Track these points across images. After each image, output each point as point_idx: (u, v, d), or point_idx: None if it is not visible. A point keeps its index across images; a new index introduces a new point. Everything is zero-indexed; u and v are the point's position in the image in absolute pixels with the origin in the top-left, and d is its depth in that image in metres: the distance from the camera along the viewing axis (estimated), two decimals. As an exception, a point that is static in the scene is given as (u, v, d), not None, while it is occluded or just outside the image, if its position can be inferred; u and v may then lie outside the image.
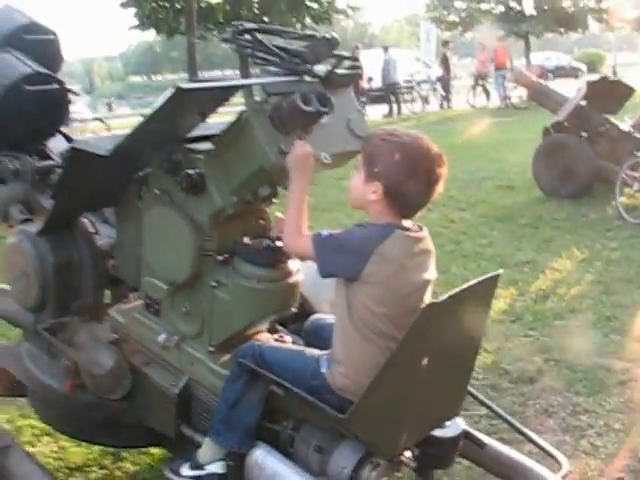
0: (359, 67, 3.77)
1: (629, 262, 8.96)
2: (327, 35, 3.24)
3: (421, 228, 3.15)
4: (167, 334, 3.63)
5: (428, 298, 3.10)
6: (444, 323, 2.92)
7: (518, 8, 40.24)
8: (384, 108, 30.37)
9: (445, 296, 2.81)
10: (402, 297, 2.98)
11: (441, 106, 33.38)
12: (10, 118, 4.44)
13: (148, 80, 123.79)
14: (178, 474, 3.41)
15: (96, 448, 5.06)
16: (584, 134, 12.61)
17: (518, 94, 28.94)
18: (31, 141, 4.68)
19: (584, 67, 56.46)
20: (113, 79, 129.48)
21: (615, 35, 55.58)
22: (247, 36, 3.30)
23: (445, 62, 33.40)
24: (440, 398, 3.20)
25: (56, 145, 4.82)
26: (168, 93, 2.97)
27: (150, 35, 34.38)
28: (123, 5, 30.10)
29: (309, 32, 3.39)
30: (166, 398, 3.60)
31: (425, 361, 2.88)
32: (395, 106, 30.32)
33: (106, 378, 3.75)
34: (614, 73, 45.89)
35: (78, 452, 5.03)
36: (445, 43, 35.38)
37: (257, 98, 3.20)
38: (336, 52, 3.36)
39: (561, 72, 51.36)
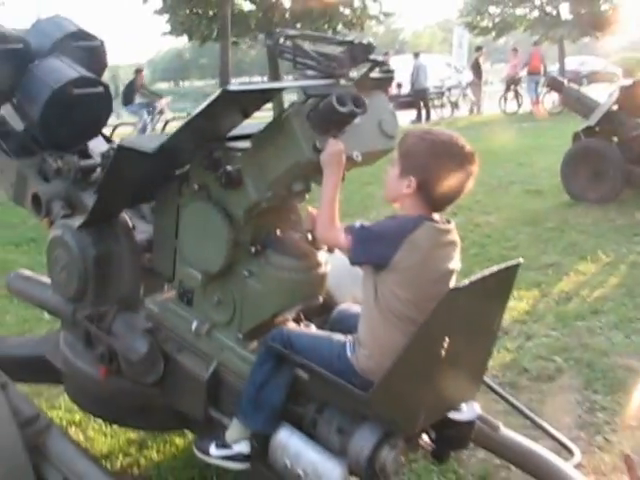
0: (392, 72, 3.92)
1: (654, 266, 9.08)
2: (364, 41, 3.46)
3: (449, 221, 3.33)
4: (199, 322, 3.81)
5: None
6: (464, 308, 3.07)
7: (554, 13, 40.00)
8: (413, 114, 30.40)
9: (466, 282, 2.97)
10: (428, 284, 3.14)
11: (471, 111, 33.37)
12: (57, 119, 4.67)
13: (175, 86, 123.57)
14: (207, 453, 3.60)
15: (122, 437, 5.30)
16: (615, 139, 12.69)
17: (551, 99, 28.92)
18: (75, 141, 4.91)
19: (620, 72, 56.10)
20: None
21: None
22: (288, 42, 3.55)
23: (477, 67, 33.36)
24: (457, 381, 3.35)
25: (97, 145, 5.06)
26: (215, 94, 3.19)
27: (180, 42, 34.44)
28: (157, 12, 30.30)
29: (347, 38, 3.56)
30: (196, 383, 3.78)
31: (444, 344, 3.04)
32: (424, 112, 30.33)
33: (140, 364, 3.95)
34: (653, 78, 45.70)
35: (104, 441, 5.26)
36: (478, 48, 35.36)
37: (297, 99, 3.40)
38: (371, 57, 3.55)
39: (596, 77, 50.98)
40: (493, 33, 42.33)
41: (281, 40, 3.54)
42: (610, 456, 4.91)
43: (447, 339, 3.05)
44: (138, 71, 25.56)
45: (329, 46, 3.59)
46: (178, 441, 5.21)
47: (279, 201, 3.60)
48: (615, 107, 12.63)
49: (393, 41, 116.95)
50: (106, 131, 5.31)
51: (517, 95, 32.20)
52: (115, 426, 5.32)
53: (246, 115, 3.64)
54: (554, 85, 15.38)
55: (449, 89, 33.94)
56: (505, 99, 32.28)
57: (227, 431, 3.58)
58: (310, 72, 3.50)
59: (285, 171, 3.37)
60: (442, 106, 32.12)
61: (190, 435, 5.08)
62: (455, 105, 32.79)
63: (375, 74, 3.71)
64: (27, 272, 5.09)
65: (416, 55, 31.91)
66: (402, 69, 32.16)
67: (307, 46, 3.53)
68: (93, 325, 4.17)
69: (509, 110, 31.63)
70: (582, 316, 7.44)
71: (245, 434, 3.52)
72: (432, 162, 3.18)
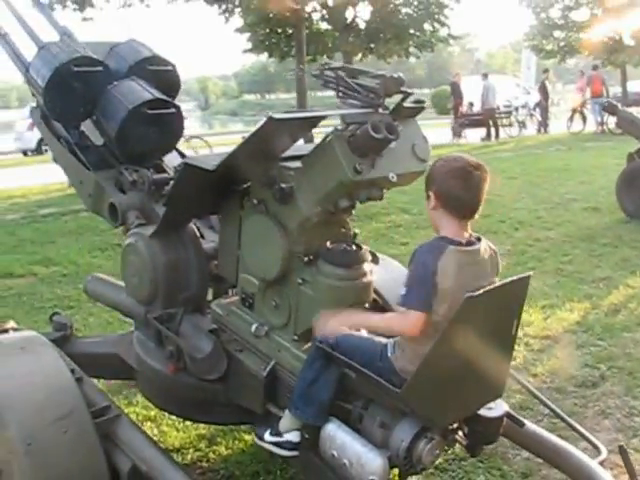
0: (422, 102, 4.08)
1: (702, 281, 9.06)
2: (395, 75, 3.62)
3: (479, 239, 3.45)
4: (258, 325, 3.99)
5: None
6: (481, 315, 3.20)
7: (617, 38, 39.62)
8: (483, 132, 30.38)
9: (481, 291, 3.10)
10: (458, 300, 3.19)
11: (538, 131, 33.15)
12: (132, 136, 4.90)
13: (261, 98, 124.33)
14: (262, 439, 3.79)
15: (193, 432, 5.48)
16: (667, 160, 12.60)
17: (614, 120, 28.62)
18: (149, 156, 5.13)
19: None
20: (228, 97, 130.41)
21: None
22: (331, 73, 3.73)
23: (543, 89, 33.23)
24: (482, 381, 3.44)
25: (171, 159, 5.27)
26: (262, 121, 3.39)
27: (264, 56, 34.59)
28: (238, 30, 30.54)
29: (381, 72, 3.70)
30: (255, 380, 3.95)
31: (465, 347, 3.17)
32: (493, 130, 30.26)
33: (205, 362, 4.13)
34: None
35: (176, 436, 5.45)
36: (545, 71, 35.15)
37: (339, 126, 3.58)
38: (403, 89, 3.72)
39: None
40: (558, 56, 41.98)
41: (326, 72, 3.74)
42: (645, 458, 4.97)
43: (467, 343, 3.18)
44: None
45: (367, 78, 3.72)
46: (247, 437, 5.36)
47: (328, 215, 3.74)
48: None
49: (468, 61, 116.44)
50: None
51: (583, 116, 31.96)
52: (187, 422, 5.51)
53: (294, 139, 3.83)
54: (609, 109, 15.36)
55: (517, 109, 33.75)
56: (572, 120, 32.04)
57: (280, 421, 3.74)
58: (351, 101, 3.68)
59: (330, 189, 3.54)
60: (510, 125, 31.97)
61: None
62: (523, 124, 32.61)
63: (408, 103, 3.86)
64: (103, 276, 5.29)
65: (485, 76, 31.77)
66: (473, 89, 32.19)
67: (348, 77, 3.71)
68: (163, 326, 4.35)
69: (575, 130, 31.38)
70: (628, 328, 7.48)
71: (296, 425, 3.67)
72: (440, 173, 3.38)
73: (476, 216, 3.44)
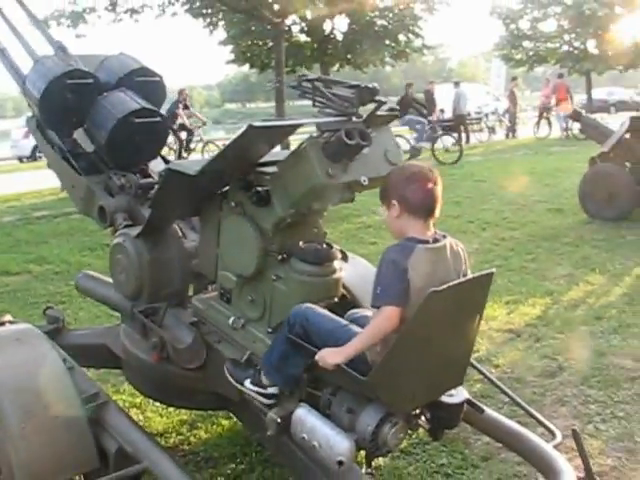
0: (396, 110, 4.21)
1: (655, 278, 9.23)
2: (369, 85, 3.71)
3: (444, 236, 3.50)
4: (235, 318, 4.08)
5: None
6: (445, 307, 3.27)
7: (582, 47, 39.84)
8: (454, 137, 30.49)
9: (445, 286, 3.18)
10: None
11: (507, 136, 33.22)
12: (121, 143, 5.02)
13: (242, 107, 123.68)
14: (241, 383, 3.87)
15: (175, 418, 5.61)
16: (627, 164, 12.84)
17: (578, 126, 28.76)
18: (136, 162, 5.25)
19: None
20: (211, 106, 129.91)
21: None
22: (308, 84, 3.84)
23: (512, 96, 33.39)
24: (444, 369, 3.55)
25: (156, 165, 5.38)
26: (242, 129, 3.47)
27: (245, 67, 34.57)
28: (222, 43, 30.57)
29: (356, 82, 3.78)
30: None
31: (429, 338, 3.27)
32: (464, 135, 30.35)
33: (186, 352, 4.25)
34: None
35: (160, 421, 5.59)
36: (513, 79, 35.30)
37: (315, 134, 3.67)
38: (377, 98, 3.78)
39: (623, 106, 50.70)
40: (527, 65, 42.14)
41: (303, 83, 3.85)
42: (597, 442, 5.11)
43: (431, 335, 3.27)
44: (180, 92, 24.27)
45: (342, 88, 3.80)
46: (224, 422, 5.51)
47: (301, 217, 3.84)
48: (627, 135, 12.79)
49: (441, 70, 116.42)
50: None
51: (549, 122, 32.11)
52: (169, 408, 5.64)
53: (272, 145, 3.94)
54: (574, 115, 15.59)
55: (487, 115, 33.91)
56: (538, 126, 32.17)
57: (263, 376, 3.78)
58: (326, 110, 3.78)
59: (304, 193, 3.63)
60: (480, 130, 32.08)
61: (234, 418, 5.34)
62: (492, 130, 32.74)
63: (381, 112, 3.94)
64: (93, 273, 5.40)
65: (456, 84, 31.79)
66: (445, 96, 32.28)
67: (324, 88, 3.81)
68: (148, 319, 4.47)
69: (541, 135, 31.51)
70: (587, 322, 7.62)
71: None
72: (397, 182, 3.45)
73: (437, 213, 3.49)
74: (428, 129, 25.99)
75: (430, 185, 3.42)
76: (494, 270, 3.51)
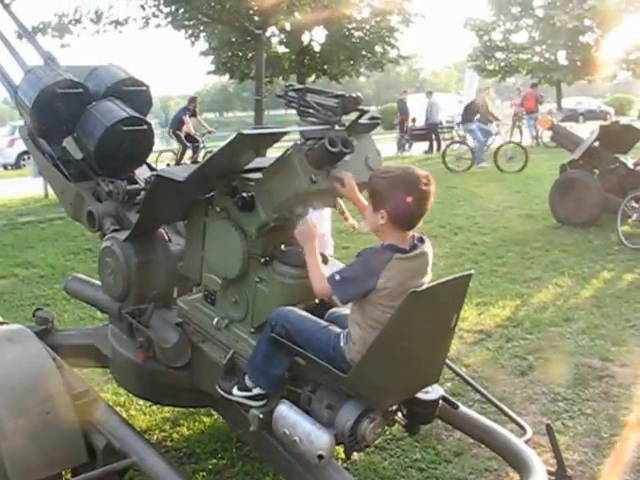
0: (377, 118, 4.24)
1: (621, 281, 9.40)
2: (353, 95, 3.78)
3: (422, 241, 3.53)
4: (219, 318, 4.13)
5: None
6: (423, 308, 3.31)
7: (552, 58, 40.15)
8: (426, 145, 30.59)
9: (424, 287, 3.27)
10: (400, 295, 3.29)
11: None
12: (109, 151, 5.09)
13: (220, 116, 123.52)
14: (229, 393, 3.88)
15: (158, 416, 5.66)
16: (596, 171, 12.97)
17: (548, 134, 28.87)
18: (123, 169, 5.30)
19: (612, 111, 56.16)
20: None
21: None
22: (294, 94, 3.91)
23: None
24: (421, 367, 3.61)
25: (142, 172, 5.44)
26: (231, 136, 3.53)
27: (225, 77, 34.61)
28: (203, 53, 30.64)
29: (340, 92, 3.84)
30: (216, 367, 4.08)
31: (407, 337, 3.31)
32: (435, 143, 30.50)
33: (172, 351, 4.29)
34: (640, 117, 45.88)
35: (143, 419, 5.63)
36: (485, 89, 35.41)
37: (299, 141, 3.73)
38: (360, 107, 3.86)
39: (591, 115, 51.11)
40: (499, 75, 42.37)
41: (289, 92, 3.92)
42: (565, 438, 5.19)
43: (410, 334, 3.32)
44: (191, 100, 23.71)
45: (327, 98, 3.86)
46: (205, 419, 5.56)
47: (284, 221, 3.86)
48: (596, 143, 12.93)
49: (414, 80, 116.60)
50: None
51: (520, 130, 32.19)
52: (153, 407, 5.70)
53: (258, 153, 3.99)
54: (543, 123, 15.71)
55: (458, 124, 34.01)
56: (511, 134, 32.22)
57: (246, 378, 3.81)
58: (311, 119, 3.84)
59: (288, 198, 3.68)
60: (452, 139, 32.16)
61: (215, 415, 5.42)
62: (463, 139, 32.81)
63: (363, 120, 4.03)
64: (82, 276, 5.40)
65: (429, 94, 31.95)
66: (418, 106, 32.42)
67: (309, 97, 3.88)
68: (135, 319, 4.51)
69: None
70: (555, 323, 7.73)
71: None
72: (394, 194, 3.39)
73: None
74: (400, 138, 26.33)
75: (423, 200, 3.42)
76: (472, 272, 3.57)
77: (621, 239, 11.39)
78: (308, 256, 3.67)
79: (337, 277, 3.44)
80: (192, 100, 23.52)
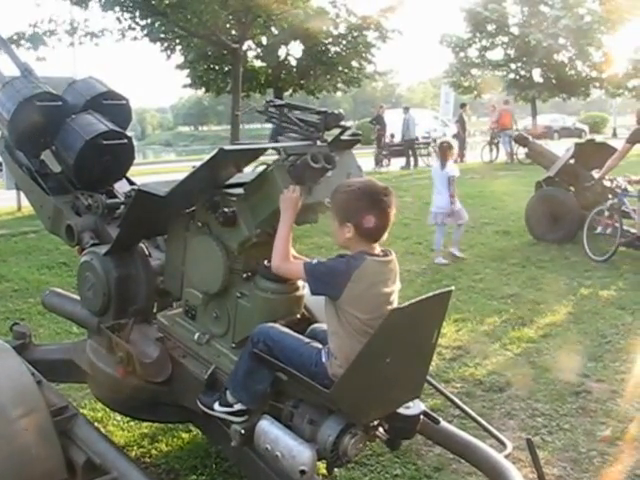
0: (358, 135, 4.28)
1: (598, 298, 9.44)
2: (335, 111, 3.82)
3: (389, 252, 3.59)
4: (200, 333, 4.15)
5: (396, 304, 3.53)
6: (405, 325, 3.35)
7: (527, 76, 40.50)
8: (402, 161, 30.67)
9: (406, 303, 3.27)
10: (376, 304, 3.42)
11: (455, 161, 33.48)
12: (88, 164, 5.09)
13: (195, 130, 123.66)
14: (211, 408, 3.90)
15: (136, 432, 5.64)
16: (571, 188, 13.10)
17: (524, 151, 29.06)
18: (103, 183, 5.30)
19: (587, 128, 56.64)
20: (164, 128, 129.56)
21: (617, 101, 56.02)
22: (275, 110, 3.94)
23: (461, 121, 33.62)
24: (403, 383, 3.63)
25: (121, 186, 5.45)
26: (213, 152, 3.56)
27: (200, 91, 34.65)
28: (179, 67, 30.65)
29: (322, 109, 3.89)
30: (197, 382, 4.09)
31: (389, 354, 3.35)
32: (412, 159, 30.57)
33: (152, 366, 4.28)
34: (614, 134, 46.40)
35: (122, 435, 5.60)
36: (462, 105, 35.57)
37: (280, 157, 3.74)
38: (341, 123, 3.91)
39: (566, 132, 51.53)
40: (475, 92, 42.65)
41: (270, 108, 3.94)
42: (543, 453, 5.20)
43: (391, 350, 3.35)
44: None
45: (308, 114, 3.91)
46: (184, 435, 5.54)
47: (266, 237, 3.86)
48: (572, 161, 13.06)
49: (390, 95, 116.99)
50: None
51: (496, 147, 32.36)
52: (131, 422, 5.67)
53: (239, 169, 4.02)
54: (520, 141, 15.82)
55: (435, 140, 34.16)
56: (489, 150, 32.39)
57: (228, 393, 3.83)
58: (292, 134, 3.88)
59: (270, 214, 3.72)
60: (428, 155, 32.26)
61: (194, 431, 5.41)
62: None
63: (345, 137, 4.07)
64: (59, 290, 5.38)
65: (406, 109, 32.05)
66: (395, 121, 32.53)
67: (291, 113, 3.91)
68: (114, 334, 4.48)
69: (487, 159, 31.78)
70: (533, 339, 7.78)
71: None
72: (358, 206, 3.45)
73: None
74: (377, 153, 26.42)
75: (386, 212, 3.48)
76: (452, 288, 3.63)
77: (587, 252, 11.60)
78: (282, 223, 3.67)
79: (314, 262, 3.52)
80: None
